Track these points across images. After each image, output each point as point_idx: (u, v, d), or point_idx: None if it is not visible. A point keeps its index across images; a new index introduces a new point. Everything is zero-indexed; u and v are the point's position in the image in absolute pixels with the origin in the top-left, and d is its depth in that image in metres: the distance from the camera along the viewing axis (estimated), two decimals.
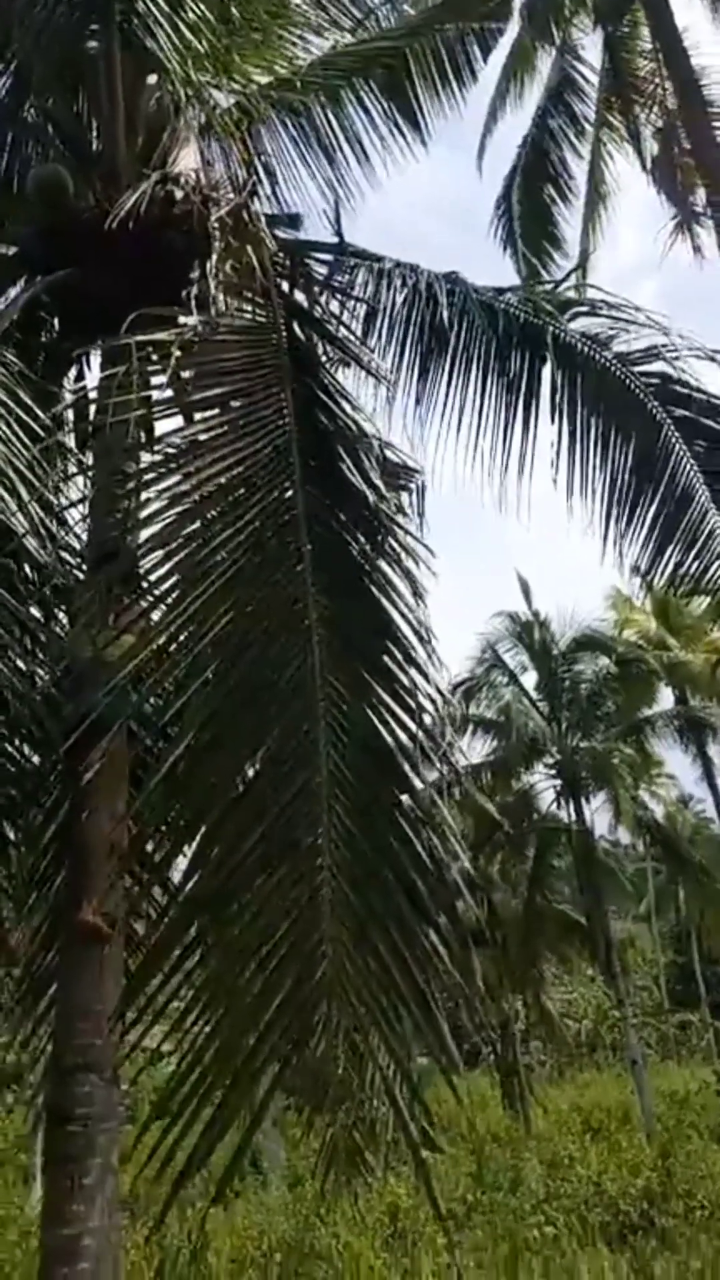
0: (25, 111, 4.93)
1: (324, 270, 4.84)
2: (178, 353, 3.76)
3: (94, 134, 4.91)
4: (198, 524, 3.57)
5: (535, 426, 4.66)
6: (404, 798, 3.31)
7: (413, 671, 3.48)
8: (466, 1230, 8.96)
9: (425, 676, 3.46)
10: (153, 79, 4.76)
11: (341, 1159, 2.96)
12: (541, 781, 18.36)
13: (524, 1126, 15.24)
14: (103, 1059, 3.69)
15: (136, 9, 4.39)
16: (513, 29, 11.13)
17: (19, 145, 4.80)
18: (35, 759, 4.21)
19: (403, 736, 3.39)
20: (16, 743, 4.16)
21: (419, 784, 3.39)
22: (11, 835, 4.40)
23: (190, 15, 4.27)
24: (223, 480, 3.62)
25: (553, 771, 18.10)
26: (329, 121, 5.48)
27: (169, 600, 3.51)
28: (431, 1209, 3.46)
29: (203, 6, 4.31)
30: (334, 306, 4.78)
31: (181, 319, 3.99)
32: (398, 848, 3.17)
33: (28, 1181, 10.15)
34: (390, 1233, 8.23)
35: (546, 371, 4.65)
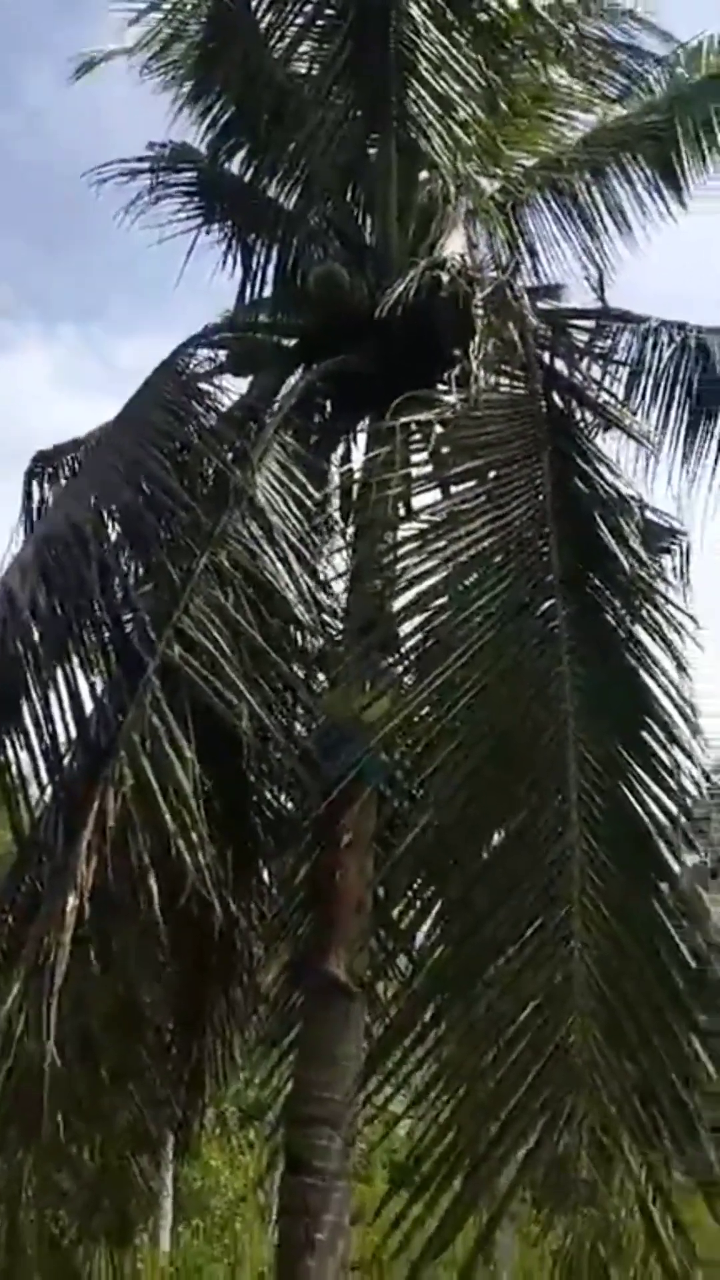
0: (310, 217, 5.45)
1: (585, 337, 4.85)
2: (439, 429, 3.91)
3: (368, 230, 5.31)
4: (452, 592, 3.65)
5: None
6: (662, 884, 3.11)
7: (674, 749, 3.29)
8: None
9: (688, 755, 3.26)
10: (424, 175, 5.08)
11: (584, 1272, 2.76)
12: None
13: None
14: (340, 1115, 3.75)
15: (410, 114, 4.73)
16: None
17: (304, 248, 5.30)
18: (290, 807, 4.44)
19: (661, 817, 3.20)
20: (275, 790, 4.43)
21: (678, 869, 3.18)
22: (266, 878, 4.64)
23: (461, 114, 4.53)
24: (477, 550, 3.68)
25: None
26: (591, 195, 5.53)
27: (423, 666, 3.60)
28: None
29: (472, 105, 4.56)
30: (595, 372, 4.76)
31: (443, 397, 4.16)
32: (655, 938, 2.97)
33: (264, 1220, 10.39)
34: None
35: None
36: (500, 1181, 2.81)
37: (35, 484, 5.03)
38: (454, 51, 4.62)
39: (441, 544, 3.73)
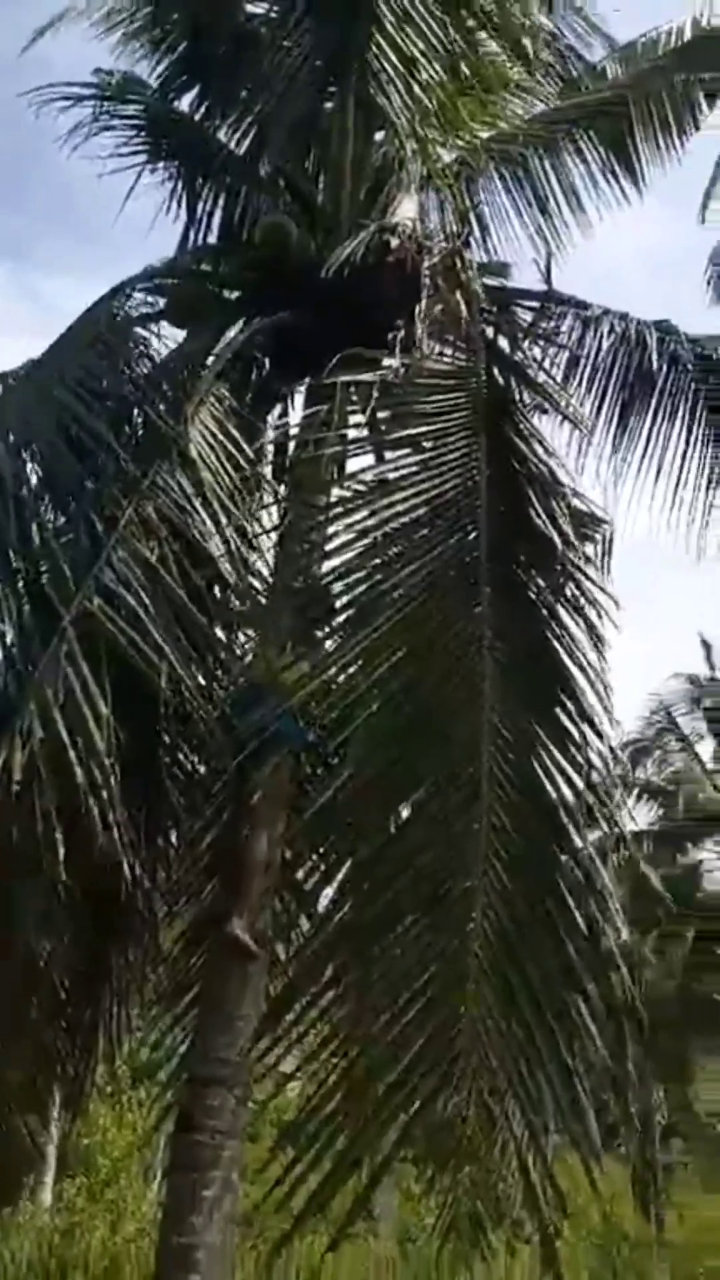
0: (260, 166, 5.29)
1: (529, 317, 4.86)
2: (377, 394, 3.87)
3: (319, 185, 5.19)
4: (380, 560, 3.64)
5: None
6: (564, 857, 3.19)
7: (585, 726, 3.36)
8: None
9: (598, 733, 3.34)
10: (379, 135, 4.99)
11: (463, 1226, 2.84)
12: (712, 859, 17.10)
13: (655, 1228, 14.10)
14: (237, 1075, 3.75)
15: (372, 69, 4.63)
16: None
17: (252, 197, 5.15)
18: (203, 769, 4.38)
19: (568, 792, 3.28)
20: (189, 751, 4.35)
21: (580, 844, 3.26)
22: (173, 840, 4.58)
23: (423, 75, 4.45)
24: (408, 519, 3.67)
25: None
26: (544, 171, 5.51)
27: (345, 631, 3.58)
28: None
29: (435, 66, 4.48)
30: (536, 352, 4.79)
31: (384, 361, 4.12)
32: (553, 908, 3.05)
33: (148, 1178, 10.42)
34: None
35: None
36: (384, 1141, 2.86)
37: None
38: (421, 8, 4.52)
39: (371, 511, 3.71)
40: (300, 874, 3.90)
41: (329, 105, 4.96)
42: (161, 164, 5.26)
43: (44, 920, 4.19)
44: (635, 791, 16.77)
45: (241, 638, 4.40)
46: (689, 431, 4.61)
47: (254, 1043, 3.53)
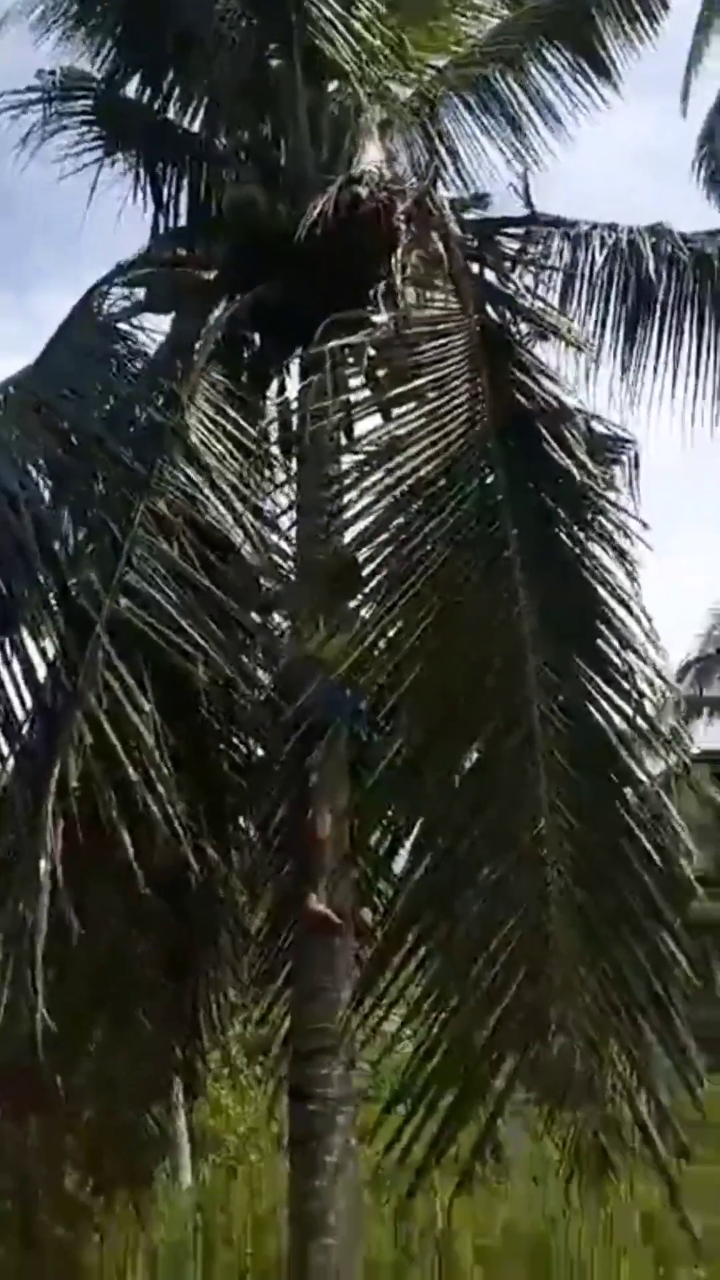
0: (217, 141, 5.17)
1: (514, 245, 4.71)
2: (372, 352, 3.80)
3: (281, 149, 5.06)
4: (401, 519, 3.59)
5: None
6: (627, 789, 3.16)
7: (629, 655, 3.30)
8: None
9: (643, 659, 3.28)
10: (333, 86, 4.84)
11: (589, 1160, 2.87)
12: None
13: None
14: (336, 1044, 3.82)
15: (311, 17, 4.47)
16: None
17: (215, 173, 5.04)
18: (259, 751, 4.41)
19: (620, 722, 3.24)
20: (243, 736, 4.39)
21: (642, 775, 3.22)
22: (243, 824, 4.64)
23: (363, 12, 4.29)
24: (423, 473, 3.61)
25: None
26: (511, 89, 5.27)
27: (378, 597, 3.56)
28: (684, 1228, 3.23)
29: (374, 0, 4.31)
30: (528, 280, 4.64)
31: (374, 318, 4.03)
32: (624, 843, 3.02)
33: (279, 1148, 10.69)
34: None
35: None
36: (493, 1088, 2.89)
37: None
38: None
39: (385, 471, 3.65)
40: (372, 840, 3.92)
41: (275, 63, 4.82)
42: (120, 155, 5.17)
43: (126, 919, 4.29)
44: (705, 710, 16.33)
45: (276, 618, 4.40)
46: (699, 335, 4.45)
47: (353, 1008, 3.59)
